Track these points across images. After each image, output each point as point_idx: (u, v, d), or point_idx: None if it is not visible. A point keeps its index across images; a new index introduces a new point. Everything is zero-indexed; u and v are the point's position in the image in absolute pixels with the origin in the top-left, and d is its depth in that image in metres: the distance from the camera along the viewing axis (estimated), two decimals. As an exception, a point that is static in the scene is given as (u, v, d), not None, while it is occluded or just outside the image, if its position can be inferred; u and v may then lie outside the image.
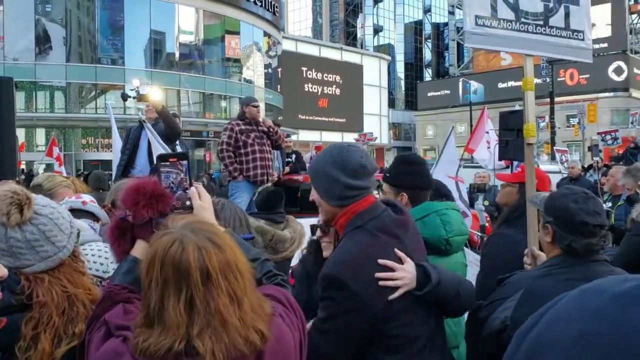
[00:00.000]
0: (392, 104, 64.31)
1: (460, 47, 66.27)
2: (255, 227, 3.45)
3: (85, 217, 2.70)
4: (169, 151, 5.82)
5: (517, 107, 8.19)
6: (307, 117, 47.31)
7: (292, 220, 3.94)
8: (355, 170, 1.96)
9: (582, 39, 3.32)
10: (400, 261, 1.94)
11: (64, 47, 30.70)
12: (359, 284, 1.85)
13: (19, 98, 26.68)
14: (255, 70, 38.78)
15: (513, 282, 2.24)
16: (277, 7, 40.14)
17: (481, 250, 4.16)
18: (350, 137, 41.83)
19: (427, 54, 72.80)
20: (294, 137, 34.28)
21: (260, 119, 6.90)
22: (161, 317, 1.29)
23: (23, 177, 13.80)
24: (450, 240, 2.68)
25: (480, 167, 9.39)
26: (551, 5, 3.18)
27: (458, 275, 2.25)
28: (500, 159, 7.55)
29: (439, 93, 56.64)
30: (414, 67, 70.74)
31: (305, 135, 44.27)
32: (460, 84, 52.31)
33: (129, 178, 3.48)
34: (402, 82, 70.56)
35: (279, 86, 42.28)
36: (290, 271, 3.72)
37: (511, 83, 46.43)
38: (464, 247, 3.09)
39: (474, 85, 49.83)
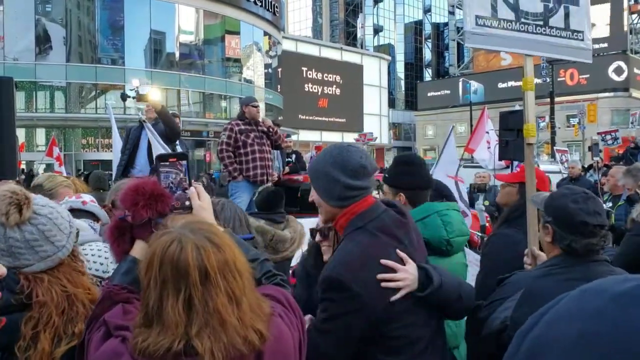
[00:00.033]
0: (392, 104, 64.33)
1: (460, 47, 66.27)
2: (255, 227, 3.46)
3: (85, 217, 2.70)
4: (169, 151, 5.82)
5: (517, 107, 8.19)
6: (307, 117, 47.32)
7: (292, 220, 3.94)
8: (355, 171, 1.96)
9: (582, 40, 3.32)
10: (401, 262, 1.93)
11: (64, 47, 30.70)
12: (360, 285, 1.85)
13: (19, 98, 26.68)
14: (255, 70, 38.79)
15: (513, 282, 2.24)
16: (277, 7, 40.15)
17: (481, 250, 4.16)
18: (350, 137, 41.82)
19: (427, 54, 72.81)
20: (294, 137, 34.29)
21: (260, 119, 6.90)
22: (160, 317, 1.29)
23: (23, 177, 13.80)
24: (451, 241, 2.67)
25: (480, 167, 9.39)
26: (551, 5, 3.18)
27: (458, 278, 2.25)
28: (500, 159, 7.55)
29: (439, 93, 56.65)
30: (414, 67, 70.74)
31: (305, 135, 44.27)
32: (461, 84, 52.31)
33: (129, 178, 3.48)
34: (402, 82, 70.56)
35: (279, 86, 42.28)
36: (291, 271, 3.72)
37: (511, 83, 46.43)
38: (464, 247, 3.09)
39: (474, 85, 49.82)
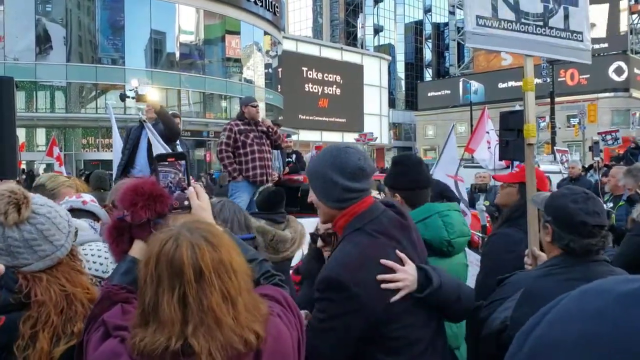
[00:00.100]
0: (392, 104, 64.33)
1: (460, 47, 66.26)
2: (256, 227, 3.45)
3: (85, 216, 2.70)
4: (170, 151, 5.82)
5: (518, 107, 8.19)
6: (307, 117, 47.32)
7: (293, 221, 3.94)
8: (354, 173, 1.95)
9: (581, 40, 3.32)
10: (401, 262, 1.93)
11: (65, 47, 30.71)
12: (359, 285, 1.85)
13: (20, 98, 26.69)
14: (255, 70, 38.79)
15: (513, 282, 2.24)
16: (277, 7, 40.15)
17: (481, 250, 4.16)
18: (350, 137, 41.84)
19: (428, 54, 72.81)
20: (294, 137, 34.31)
21: (260, 119, 6.89)
22: (156, 314, 1.29)
23: (24, 177, 13.81)
24: (452, 241, 2.67)
25: (480, 167, 9.38)
26: (551, 6, 3.18)
27: (458, 279, 2.24)
28: (500, 159, 7.55)
29: (439, 93, 56.65)
30: (414, 67, 70.74)
31: (305, 135, 44.28)
32: (461, 84, 52.32)
33: (129, 178, 3.48)
34: (403, 82, 70.56)
35: (279, 86, 42.28)
36: (291, 271, 3.72)
37: (511, 83, 46.45)
38: (465, 248, 3.08)
39: (475, 85, 49.83)
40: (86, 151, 31.60)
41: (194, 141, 32.23)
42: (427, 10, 72.12)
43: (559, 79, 42.62)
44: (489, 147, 8.37)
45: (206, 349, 1.26)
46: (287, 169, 8.84)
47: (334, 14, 68.66)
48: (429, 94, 58.24)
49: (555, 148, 18.86)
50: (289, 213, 4.12)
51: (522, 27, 3.09)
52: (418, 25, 71.25)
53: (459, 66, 64.33)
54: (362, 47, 62.05)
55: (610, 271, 2.12)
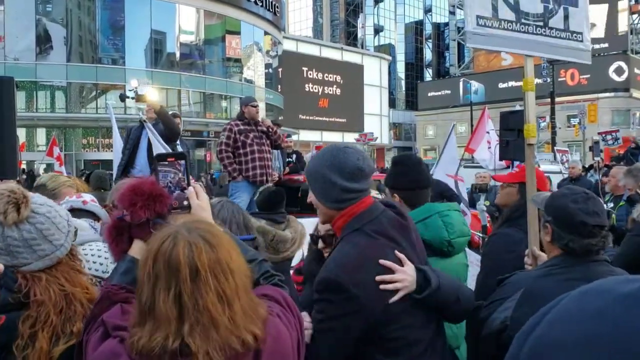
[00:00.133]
0: (392, 104, 64.34)
1: (460, 47, 66.26)
2: (256, 227, 3.45)
3: (86, 216, 2.70)
4: (170, 151, 5.81)
5: (518, 107, 8.19)
6: (307, 117, 47.32)
7: (293, 221, 3.93)
8: (353, 173, 1.94)
9: (581, 41, 3.32)
10: (400, 263, 1.93)
11: (65, 47, 30.72)
12: (358, 286, 1.84)
13: (20, 98, 26.70)
14: (255, 70, 38.80)
15: (513, 282, 2.24)
16: (277, 7, 40.15)
17: (482, 250, 4.16)
18: (350, 137, 41.85)
19: (428, 54, 72.81)
20: (294, 137, 34.32)
21: (260, 119, 6.89)
22: (152, 313, 1.29)
23: (24, 177, 13.82)
24: (452, 242, 2.67)
25: (480, 167, 9.38)
26: (551, 6, 3.18)
27: (457, 280, 2.24)
28: (501, 159, 7.55)
29: (439, 93, 56.64)
30: (414, 67, 70.74)
31: (305, 135, 44.28)
32: (461, 84, 52.34)
33: (129, 178, 3.49)
34: (403, 82, 70.57)
35: (279, 86, 42.29)
36: (292, 271, 3.72)
37: (512, 83, 46.46)
38: (465, 248, 3.08)
39: (475, 85, 49.85)
40: (86, 151, 31.61)
41: (194, 141, 32.25)
42: (428, 10, 72.13)
43: (559, 79, 42.62)
44: (489, 147, 8.38)
45: (203, 349, 1.26)
46: (287, 169, 8.84)
47: (334, 14, 68.66)
48: (429, 94, 58.24)
49: (555, 148, 18.86)
50: (289, 213, 4.12)
51: (522, 28, 3.09)
52: (418, 25, 71.26)
53: (459, 66, 64.32)
54: (362, 47, 62.05)
55: (611, 271, 2.12)
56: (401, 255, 1.94)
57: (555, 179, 10.61)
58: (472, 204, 8.61)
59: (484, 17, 2.99)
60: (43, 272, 1.64)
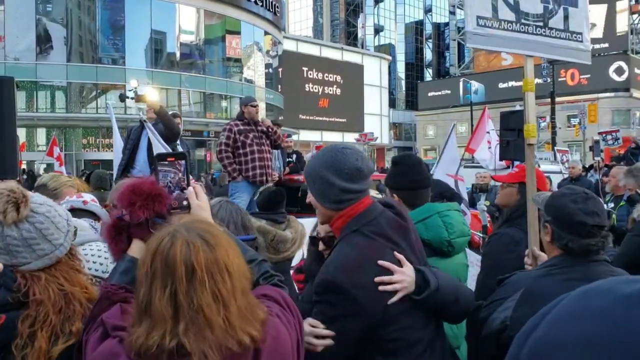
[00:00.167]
0: (392, 103, 64.34)
1: (461, 47, 66.26)
2: (256, 227, 3.45)
3: (86, 216, 2.71)
4: (170, 151, 5.81)
5: (518, 107, 8.19)
6: (307, 117, 47.32)
7: (294, 221, 3.93)
8: (351, 174, 1.94)
9: (581, 41, 3.32)
10: (399, 264, 1.92)
11: (65, 47, 30.72)
12: (357, 288, 1.84)
13: (20, 98, 26.71)
14: (256, 70, 38.80)
15: (513, 282, 2.24)
16: (277, 7, 40.16)
17: (482, 250, 4.16)
18: (351, 137, 41.84)
19: (428, 54, 72.81)
20: (294, 137, 34.31)
21: (260, 119, 6.89)
22: (149, 310, 1.29)
23: (25, 177, 13.82)
24: (452, 242, 2.66)
25: (481, 167, 9.39)
26: (551, 6, 3.18)
27: (456, 281, 2.24)
28: (501, 159, 7.56)
29: (439, 93, 56.63)
30: (414, 67, 70.75)
31: (306, 135, 44.28)
32: (461, 84, 52.30)
33: (129, 177, 3.49)
34: (403, 82, 70.58)
35: (279, 86, 42.29)
36: (292, 270, 3.72)
37: (512, 83, 46.45)
38: (466, 248, 3.09)
39: (475, 85, 49.83)
40: (86, 151, 31.62)
41: (194, 141, 32.25)
42: (428, 10, 72.13)
43: (560, 79, 42.60)
44: (489, 147, 8.38)
45: (199, 349, 1.26)
46: (287, 169, 8.84)
47: (334, 14, 68.66)
48: (430, 94, 58.22)
49: (555, 148, 18.87)
50: (289, 213, 4.12)
51: (522, 28, 3.09)
52: (418, 25, 71.26)
53: (460, 66, 64.32)
54: (362, 47, 62.04)
55: (611, 271, 2.12)
56: (400, 256, 1.94)
57: (556, 179, 10.62)
58: (473, 203, 8.62)
59: (484, 18, 2.99)
60: (42, 272, 1.64)
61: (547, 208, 2.24)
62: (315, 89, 49.25)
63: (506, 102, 35.19)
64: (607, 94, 45.65)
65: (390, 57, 62.32)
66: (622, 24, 48.21)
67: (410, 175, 2.78)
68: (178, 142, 6.82)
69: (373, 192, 2.44)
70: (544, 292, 1.95)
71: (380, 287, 1.86)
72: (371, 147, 48.52)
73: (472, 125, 26.93)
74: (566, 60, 3.51)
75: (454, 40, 67.25)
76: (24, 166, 20.45)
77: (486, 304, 2.25)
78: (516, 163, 5.99)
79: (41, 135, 30.78)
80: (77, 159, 30.29)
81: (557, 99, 33.26)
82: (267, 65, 40.47)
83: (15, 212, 1.60)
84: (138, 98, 6.77)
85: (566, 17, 3.24)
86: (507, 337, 1.99)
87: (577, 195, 2.14)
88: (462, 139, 18.66)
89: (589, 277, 1.80)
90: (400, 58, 70.10)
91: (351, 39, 66.15)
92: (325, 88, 50.00)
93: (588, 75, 45.37)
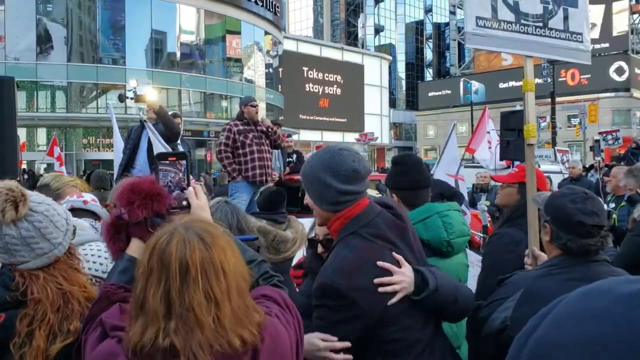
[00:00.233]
0: (393, 103, 64.34)
1: (461, 47, 66.25)
2: (257, 228, 3.45)
3: (87, 216, 2.71)
4: (171, 151, 5.81)
5: (518, 107, 8.19)
6: (308, 117, 47.33)
7: (294, 221, 3.93)
8: (348, 176, 1.92)
9: (581, 41, 3.32)
10: (397, 265, 1.92)
11: (65, 47, 30.74)
12: (356, 291, 1.83)
13: (20, 98, 26.70)
14: (256, 70, 38.80)
15: (513, 282, 2.24)
16: (278, 7, 40.16)
17: (482, 250, 4.16)
18: (351, 137, 41.87)
19: (428, 54, 72.81)
20: (295, 137, 34.31)
21: (259, 119, 6.89)
22: (143, 307, 1.29)
23: (26, 176, 13.83)
24: (452, 242, 2.66)
25: (481, 167, 9.39)
26: (550, 7, 3.18)
27: (455, 280, 2.23)
28: (501, 159, 7.56)
29: (440, 93, 56.64)
30: (415, 67, 70.76)
31: (306, 135, 44.29)
32: (462, 83, 52.31)
33: (129, 177, 3.49)
34: (403, 82, 70.59)
35: (280, 86, 42.30)
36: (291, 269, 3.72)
37: (512, 83, 46.44)
38: (466, 248, 3.09)
39: (475, 85, 49.85)
40: (87, 151, 31.64)
41: (194, 141, 32.26)
42: (428, 10, 72.13)
43: (560, 79, 42.60)
44: (489, 147, 8.38)
45: (188, 349, 1.25)
46: (287, 169, 8.84)
47: (334, 14, 68.66)
48: (430, 94, 58.22)
49: (555, 148, 18.86)
50: (290, 213, 4.11)
51: (521, 28, 3.09)
52: (419, 25, 71.26)
53: (460, 66, 64.31)
54: (362, 47, 62.05)
55: (611, 271, 2.12)
56: (398, 257, 1.93)
57: (556, 179, 10.62)
58: (473, 203, 8.62)
59: (483, 18, 2.99)
60: (41, 271, 1.65)
61: (546, 208, 2.24)
62: (316, 88, 49.24)
63: (506, 102, 35.21)
64: (608, 94, 45.64)
65: (390, 57, 62.31)
66: (621, 24, 48.19)
67: (410, 175, 2.78)
68: (179, 142, 6.82)
69: (373, 192, 2.44)
70: (544, 292, 1.96)
71: (380, 289, 1.85)
72: (371, 147, 48.53)
73: (472, 125, 26.94)
74: (566, 60, 3.51)
75: (455, 40, 67.23)
76: (24, 166, 20.46)
77: (486, 304, 2.25)
78: (516, 163, 5.99)
79: (41, 135, 30.80)
80: (77, 159, 30.31)
81: (558, 99, 33.26)
82: (268, 65, 40.48)
83: (13, 211, 1.60)
84: (137, 98, 6.77)
85: (566, 18, 3.24)
86: (507, 337, 1.99)
87: (576, 195, 2.14)
88: (463, 139, 18.67)
89: (589, 277, 1.80)
90: (401, 58, 70.11)
91: (351, 39, 66.15)
92: (326, 88, 50.00)
93: (588, 75, 45.36)
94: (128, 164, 6.37)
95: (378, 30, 68.11)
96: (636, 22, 50.11)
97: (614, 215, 5.69)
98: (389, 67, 61.62)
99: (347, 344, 1.85)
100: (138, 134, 6.43)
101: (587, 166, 14.97)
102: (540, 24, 3.15)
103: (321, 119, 48.90)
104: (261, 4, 37.14)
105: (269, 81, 40.30)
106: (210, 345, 1.27)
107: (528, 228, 2.83)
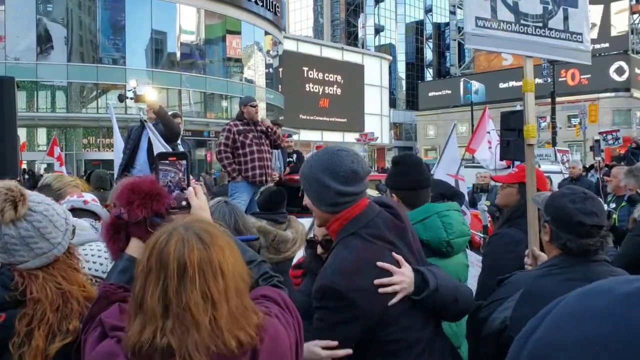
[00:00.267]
0: (393, 103, 64.34)
1: (461, 47, 66.23)
2: (257, 228, 3.46)
3: (87, 216, 2.71)
4: (171, 151, 5.82)
5: (519, 107, 8.19)
6: (308, 117, 47.32)
7: (294, 221, 3.93)
8: (347, 177, 1.92)
9: (581, 41, 3.32)
10: (397, 265, 1.92)
11: (66, 47, 30.74)
12: (356, 292, 1.83)
13: (21, 98, 26.72)
14: (256, 70, 38.80)
15: (513, 282, 2.24)
16: (278, 7, 40.16)
17: (483, 251, 4.16)
18: (351, 137, 41.88)
19: (428, 54, 72.81)
20: (295, 137, 34.30)
21: (259, 119, 6.89)
22: (142, 305, 1.29)
23: (26, 176, 13.84)
24: (451, 242, 2.65)
25: (481, 167, 9.39)
26: (550, 7, 3.18)
27: (455, 280, 2.23)
28: (501, 159, 7.55)
29: (440, 93, 56.64)
30: (415, 67, 70.75)
31: (306, 135, 44.29)
32: (462, 83, 52.31)
33: (129, 177, 3.49)
34: (403, 82, 70.58)
35: (280, 86, 42.30)
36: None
37: (512, 83, 46.43)
38: (466, 248, 3.08)
39: (475, 85, 49.85)
40: (87, 151, 31.64)
41: (194, 141, 32.26)
42: (428, 10, 72.14)
43: (560, 79, 42.60)
44: (489, 147, 8.38)
45: (184, 349, 1.25)
46: (287, 169, 8.84)
47: (334, 14, 68.65)
48: (430, 94, 58.21)
49: (555, 148, 18.87)
50: (290, 213, 4.11)
51: (521, 29, 3.09)
52: (419, 25, 71.26)
53: (460, 66, 64.31)
54: (362, 47, 62.04)
55: (611, 271, 2.12)
56: (398, 257, 1.93)
57: (556, 179, 10.62)
58: (473, 204, 8.62)
59: (482, 19, 2.99)
60: (40, 270, 1.65)
61: (546, 208, 2.24)
62: (316, 88, 49.24)
63: (507, 102, 35.23)
64: (608, 94, 45.64)
65: (390, 57, 62.30)
66: (621, 24, 48.18)
67: (410, 175, 2.78)
68: (179, 142, 6.82)
69: (373, 193, 2.44)
70: (543, 292, 1.96)
71: (380, 290, 1.85)
72: (371, 147, 48.54)
73: (472, 125, 26.94)
74: (566, 60, 3.51)
75: (455, 40, 67.22)
76: (24, 166, 20.46)
77: (486, 304, 2.25)
78: (516, 163, 5.99)
79: (42, 135, 30.81)
80: (77, 159, 30.32)
81: (558, 99, 33.26)
82: (268, 65, 40.48)
83: (12, 211, 1.60)
84: (137, 98, 6.77)
85: (566, 18, 3.24)
86: (507, 337, 1.99)
87: (576, 195, 2.14)
88: (463, 139, 18.67)
89: (589, 277, 1.80)
90: (401, 58, 70.11)
91: (351, 39, 66.15)
92: (326, 88, 49.99)
93: (588, 75, 45.35)
94: (128, 164, 6.37)
95: (378, 30, 68.11)
96: (636, 22, 50.09)
97: (615, 216, 5.70)
98: (389, 67, 61.61)
99: (349, 350, 1.85)
100: (138, 134, 6.43)
101: (587, 166, 14.97)
102: (540, 24, 3.15)
103: (321, 119, 48.89)
104: (261, 4, 37.14)
105: (269, 81, 40.30)
106: (206, 346, 1.27)
107: (528, 228, 2.83)
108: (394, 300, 1.87)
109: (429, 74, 71.71)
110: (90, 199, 2.83)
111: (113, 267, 1.59)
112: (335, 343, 1.85)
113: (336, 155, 1.95)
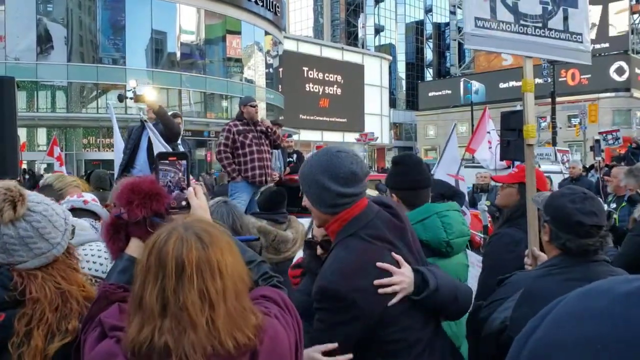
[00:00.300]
0: (393, 103, 64.34)
1: (461, 47, 66.19)
2: (257, 228, 3.46)
3: (87, 216, 2.71)
4: (171, 151, 5.81)
5: (519, 107, 8.18)
6: (308, 117, 47.32)
7: (294, 221, 3.94)
8: (346, 178, 1.92)
9: (581, 42, 3.32)
10: (397, 265, 1.92)
11: (66, 47, 30.74)
12: (356, 293, 1.83)
13: (21, 98, 26.72)
14: (256, 70, 38.80)
15: (513, 282, 2.24)
16: (278, 7, 40.16)
17: (483, 251, 4.16)
18: (351, 137, 41.86)
19: (429, 54, 72.80)
20: (295, 137, 34.30)
21: (259, 119, 6.89)
22: (140, 304, 1.29)
23: (27, 176, 13.84)
24: (451, 242, 2.65)
25: (481, 167, 9.39)
26: (550, 7, 3.18)
27: (455, 280, 2.23)
28: (501, 159, 7.55)
29: (440, 93, 56.63)
30: (415, 67, 70.75)
31: (306, 135, 44.29)
32: (462, 83, 52.30)
33: (129, 177, 3.49)
34: (403, 82, 70.58)
35: (280, 86, 42.30)
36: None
37: (512, 83, 46.42)
38: (466, 249, 3.08)
39: (475, 85, 49.85)
40: (87, 151, 31.64)
41: (194, 141, 32.25)
42: (428, 10, 72.13)
43: (560, 79, 42.60)
44: (490, 147, 8.38)
45: (180, 349, 1.25)
46: (288, 169, 8.84)
47: (334, 14, 68.64)
48: (430, 94, 58.21)
49: (555, 148, 18.86)
50: (290, 213, 4.11)
51: (521, 29, 3.09)
52: (419, 25, 71.26)
53: (460, 66, 64.30)
54: (363, 47, 62.03)
55: (611, 271, 2.12)
56: (398, 257, 1.93)
57: (556, 179, 10.62)
58: (474, 204, 8.62)
59: (482, 19, 2.99)
60: (39, 270, 1.65)
61: (546, 208, 2.24)
62: (316, 88, 49.24)
63: (507, 102, 35.22)
64: (608, 94, 45.63)
65: (390, 57, 62.30)
66: (621, 24, 48.18)
67: (410, 175, 2.78)
68: (179, 142, 6.82)
69: (373, 193, 2.44)
70: (543, 292, 1.96)
71: (380, 290, 1.85)
72: (371, 147, 48.54)
73: (472, 125, 26.93)
74: (566, 60, 3.51)
75: (455, 40, 67.21)
76: (24, 166, 20.47)
77: (486, 304, 2.25)
78: (516, 163, 5.99)
79: (42, 135, 30.81)
80: (77, 159, 30.32)
81: (558, 99, 33.27)
82: (268, 65, 40.48)
83: (12, 211, 1.60)
84: (137, 98, 6.77)
85: (566, 18, 3.24)
86: (507, 337, 2.00)
87: (575, 195, 2.14)
88: (463, 139, 18.65)
89: (589, 277, 1.80)
90: (401, 58, 70.10)
91: (352, 39, 66.14)
92: (326, 88, 49.99)
93: (588, 75, 45.35)
94: (128, 164, 6.37)
95: (378, 30, 68.10)
96: (636, 22, 50.08)
97: (615, 216, 5.69)
98: (389, 67, 61.61)
99: (349, 356, 1.85)
100: (138, 133, 6.43)
101: (587, 166, 14.97)
102: (540, 25, 3.15)
103: (321, 119, 48.89)
104: (261, 4, 37.14)
105: (269, 81, 40.30)
106: (203, 346, 1.27)
107: (528, 228, 2.83)
108: (394, 300, 1.87)
109: (429, 74, 71.70)
110: (90, 198, 2.83)
111: (113, 267, 1.59)
112: (335, 346, 1.84)
113: (335, 157, 1.95)
